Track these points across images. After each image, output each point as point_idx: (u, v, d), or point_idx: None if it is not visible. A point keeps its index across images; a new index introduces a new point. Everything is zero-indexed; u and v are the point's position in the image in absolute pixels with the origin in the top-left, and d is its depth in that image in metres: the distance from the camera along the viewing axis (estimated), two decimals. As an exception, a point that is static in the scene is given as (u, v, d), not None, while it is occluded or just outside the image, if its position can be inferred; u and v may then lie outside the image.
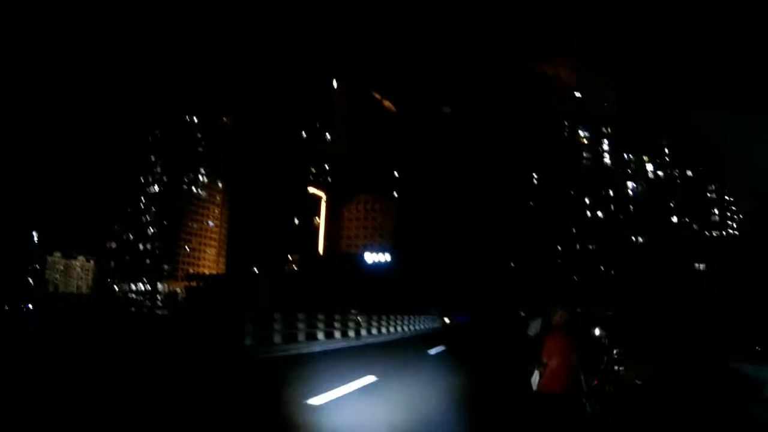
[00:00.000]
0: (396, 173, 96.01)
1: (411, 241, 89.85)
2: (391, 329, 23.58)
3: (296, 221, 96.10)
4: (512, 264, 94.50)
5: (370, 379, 8.54)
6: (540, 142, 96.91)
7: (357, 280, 79.71)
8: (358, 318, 20.06)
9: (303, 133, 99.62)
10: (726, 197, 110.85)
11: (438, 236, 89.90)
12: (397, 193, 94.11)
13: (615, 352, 7.24)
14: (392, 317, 24.77)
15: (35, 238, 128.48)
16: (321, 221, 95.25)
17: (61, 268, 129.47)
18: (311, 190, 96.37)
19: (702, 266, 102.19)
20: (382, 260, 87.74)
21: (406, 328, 26.75)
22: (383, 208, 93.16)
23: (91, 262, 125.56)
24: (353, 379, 8.11)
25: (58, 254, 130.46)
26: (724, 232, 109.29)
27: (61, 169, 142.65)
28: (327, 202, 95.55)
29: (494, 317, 73.56)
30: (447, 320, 44.67)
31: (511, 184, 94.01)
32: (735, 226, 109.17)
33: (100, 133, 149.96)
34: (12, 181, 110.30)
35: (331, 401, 6.62)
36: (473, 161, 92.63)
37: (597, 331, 8.25)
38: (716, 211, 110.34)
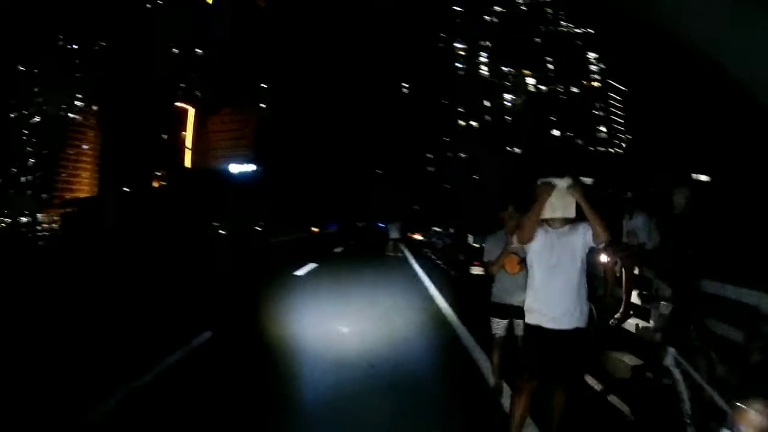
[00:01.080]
0: (263, 84, 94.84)
1: (276, 152, 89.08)
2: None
3: (164, 137, 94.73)
4: (378, 171, 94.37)
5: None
6: (411, 51, 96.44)
7: (225, 193, 78.82)
8: None
9: (174, 49, 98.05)
10: (614, 116, 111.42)
11: (304, 145, 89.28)
12: (264, 104, 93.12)
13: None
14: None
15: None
16: (188, 135, 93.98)
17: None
18: (179, 104, 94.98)
19: (589, 180, 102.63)
20: (248, 171, 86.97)
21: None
22: (250, 120, 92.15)
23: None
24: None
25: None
26: (611, 150, 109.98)
27: None
28: (195, 115, 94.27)
29: (362, 225, 73.61)
30: (314, 229, 46.56)
31: (380, 92, 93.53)
32: (623, 146, 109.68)
33: None
34: None
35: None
36: (340, 68, 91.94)
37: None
38: (603, 129, 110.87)
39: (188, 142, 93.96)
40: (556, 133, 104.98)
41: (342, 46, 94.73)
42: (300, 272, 12.28)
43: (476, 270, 9.18)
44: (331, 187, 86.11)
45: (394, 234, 18.15)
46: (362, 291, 9.31)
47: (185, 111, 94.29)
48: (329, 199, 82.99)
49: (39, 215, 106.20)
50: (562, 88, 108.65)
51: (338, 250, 22.09)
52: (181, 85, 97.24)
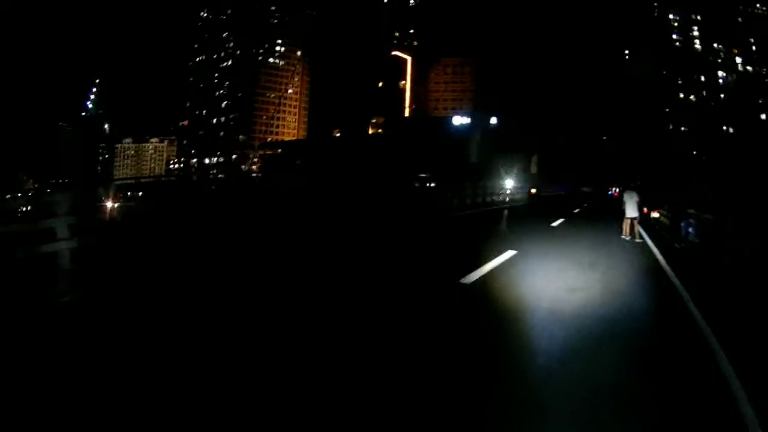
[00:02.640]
0: (485, 36, 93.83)
1: (499, 106, 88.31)
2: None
3: (380, 85, 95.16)
4: (604, 138, 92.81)
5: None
6: (629, 19, 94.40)
7: (444, 144, 78.32)
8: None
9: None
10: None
11: (526, 101, 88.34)
12: (482, 57, 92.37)
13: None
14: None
15: (106, 128, 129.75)
16: (407, 84, 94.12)
17: (132, 153, 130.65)
18: (395, 53, 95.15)
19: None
20: (468, 124, 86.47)
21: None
22: (471, 72, 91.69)
23: (165, 142, 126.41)
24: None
25: (128, 140, 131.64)
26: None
27: (128, 55, 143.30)
28: (413, 65, 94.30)
29: (586, 190, 72.27)
30: (533, 190, 45.91)
31: (602, 58, 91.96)
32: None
33: (164, 14, 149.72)
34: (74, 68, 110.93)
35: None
36: (562, 29, 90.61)
37: None
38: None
39: (407, 92, 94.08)
40: (763, 116, 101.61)
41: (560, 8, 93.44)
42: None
43: None
44: (554, 147, 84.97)
45: (632, 211, 13.19)
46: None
47: (404, 60, 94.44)
48: (554, 160, 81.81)
49: (233, 156, 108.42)
50: (765, 71, 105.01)
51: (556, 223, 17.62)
52: (395, 33, 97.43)
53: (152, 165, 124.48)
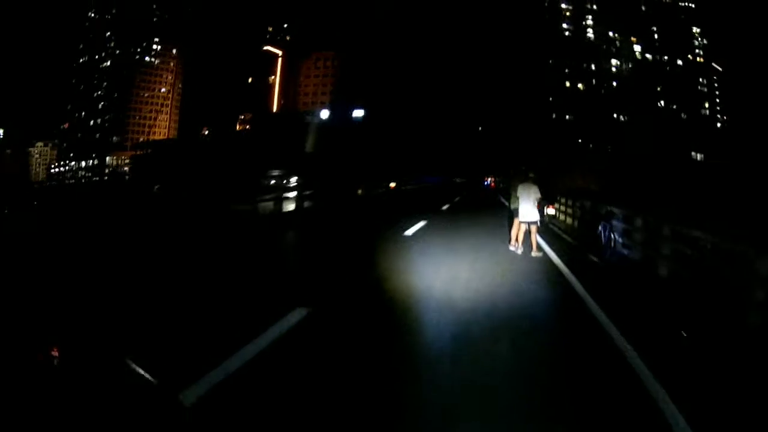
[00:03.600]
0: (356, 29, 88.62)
1: (371, 100, 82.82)
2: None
3: (250, 80, 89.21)
4: (480, 128, 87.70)
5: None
6: (513, 6, 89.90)
7: (306, 139, 73.38)
8: None
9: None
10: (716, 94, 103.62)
11: (399, 95, 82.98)
12: (360, 48, 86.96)
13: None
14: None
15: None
16: (277, 79, 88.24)
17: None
18: (267, 48, 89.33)
19: (700, 156, 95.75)
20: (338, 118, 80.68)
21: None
22: (342, 65, 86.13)
23: (49, 146, 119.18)
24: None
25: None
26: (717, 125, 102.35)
27: (10, 56, 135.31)
28: (284, 60, 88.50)
29: (459, 180, 68.68)
30: (392, 184, 39.56)
31: (482, 45, 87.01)
32: (723, 126, 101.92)
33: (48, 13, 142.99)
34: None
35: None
36: (441, 18, 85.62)
37: None
38: (707, 105, 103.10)
39: (276, 87, 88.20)
40: (661, 103, 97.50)
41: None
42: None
43: None
44: (428, 138, 79.68)
45: (529, 213, 8.73)
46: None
47: (275, 55, 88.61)
48: (426, 152, 76.56)
49: (107, 158, 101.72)
50: (666, 59, 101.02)
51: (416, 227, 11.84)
52: (269, 28, 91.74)
53: (37, 169, 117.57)
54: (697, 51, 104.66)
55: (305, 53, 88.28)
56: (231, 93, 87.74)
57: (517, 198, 8.76)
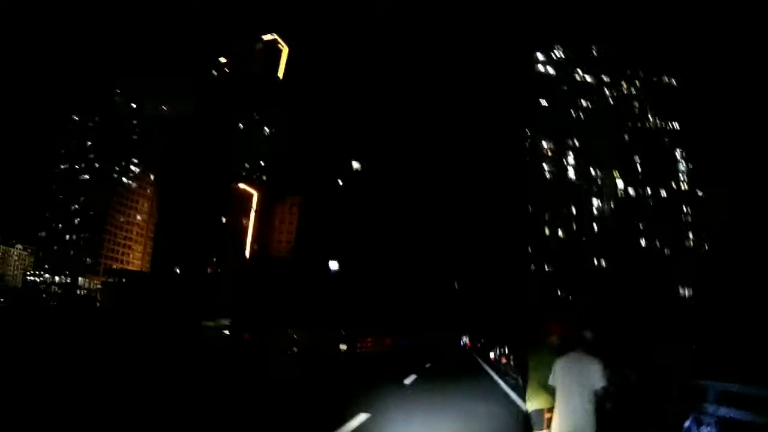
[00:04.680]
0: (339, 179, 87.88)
1: (346, 249, 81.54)
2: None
3: (224, 220, 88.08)
4: (456, 285, 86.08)
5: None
6: (498, 149, 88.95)
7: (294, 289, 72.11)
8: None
9: (240, 125, 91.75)
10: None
11: (375, 248, 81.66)
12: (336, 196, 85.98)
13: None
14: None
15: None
16: (250, 221, 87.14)
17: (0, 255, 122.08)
18: (242, 186, 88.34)
19: (688, 292, 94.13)
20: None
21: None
22: (321, 212, 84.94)
23: (28, 251, 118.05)
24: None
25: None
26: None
27: None
28: (259, 200, 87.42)
29: (436, 338, 66.72)
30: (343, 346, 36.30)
31: (462, 198, 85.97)
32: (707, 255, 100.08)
33: (39, 115, 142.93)
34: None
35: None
36: (421, 163, 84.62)
37: None
38: (691, 236, 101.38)
39: (249, 230, 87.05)
40: (642, 243, 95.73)
41: (418, 143, 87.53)
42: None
43: None
44: (405, 296, 78.19)
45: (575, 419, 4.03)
46: None
47: (250, 195, 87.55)
48: (403, 309, 75.10)
49: (80, 279, 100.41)
50: (650, 191, 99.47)
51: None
52: (245, 165, 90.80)
53: (15, 272, 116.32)
54: (681, 177, 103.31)
55: (280, 195, 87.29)
56: (203, 232, 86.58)
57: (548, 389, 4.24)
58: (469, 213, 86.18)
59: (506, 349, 25.65)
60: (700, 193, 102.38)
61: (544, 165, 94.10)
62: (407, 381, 13.71)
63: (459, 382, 16.14)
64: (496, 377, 16.90)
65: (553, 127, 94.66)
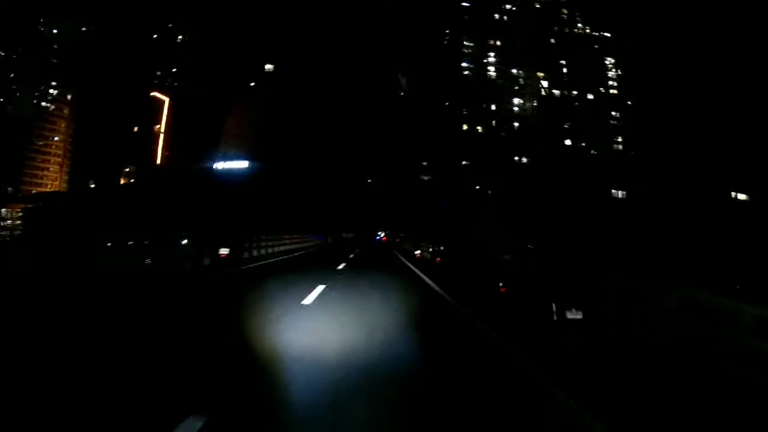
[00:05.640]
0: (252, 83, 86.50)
1: (262, 151, 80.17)
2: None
3: (135, 129, 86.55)
4: (369, 180, 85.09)
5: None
6: (413, 46, 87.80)
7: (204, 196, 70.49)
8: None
9: (154, 35, 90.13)
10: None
11: (291, 146, 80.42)
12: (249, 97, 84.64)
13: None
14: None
15: None
16: (162, 129, 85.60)
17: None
18: (154, 93, 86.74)
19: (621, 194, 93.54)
20: (235, 170, 77.62)
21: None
22: (239, 115, 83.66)
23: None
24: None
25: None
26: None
27: None
28: (170, 107, 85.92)
29: (350, 236, 66.75)
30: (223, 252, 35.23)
31: (375, 90, 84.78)
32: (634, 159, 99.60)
33: None
34: None
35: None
36: (333, 63, 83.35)
37: None
38: (620, 139, 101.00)
39: (161, 137, 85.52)
40: (568, 142, 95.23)
41: (337, 39, 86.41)
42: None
43: None
44: (318, 193, 77.06)
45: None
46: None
47: (161, 102, 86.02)
48: (315, 207, 73.90)
49: (2, 210, 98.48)
50: (576, 93, 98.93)
51: None
52: (157, 72, 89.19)
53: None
54: (610, 83, 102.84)
55: (194, 100, 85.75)
56: (116, 143, 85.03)
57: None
58: (382, 109, 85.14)
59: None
60: (629, 103, 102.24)
61: (464, 63, 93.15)
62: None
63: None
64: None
65: (476, 27, 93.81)
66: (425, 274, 15.45)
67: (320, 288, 10.61)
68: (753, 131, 77.77)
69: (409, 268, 19.26)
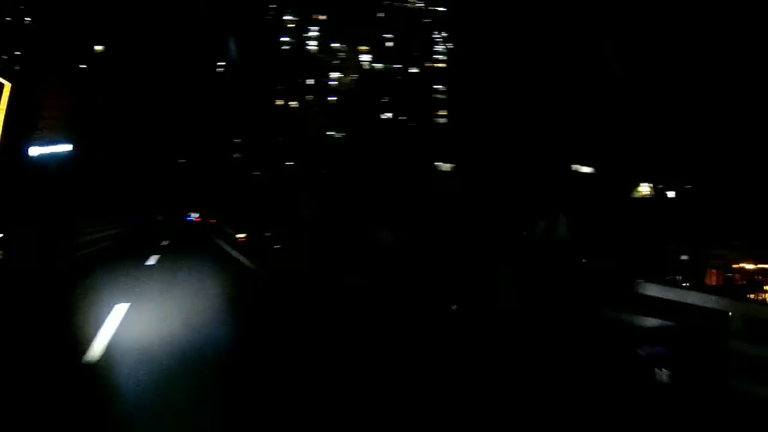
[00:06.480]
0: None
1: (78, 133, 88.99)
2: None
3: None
4: (182, 160, 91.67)
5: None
6: (231, 20, 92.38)
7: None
8: None
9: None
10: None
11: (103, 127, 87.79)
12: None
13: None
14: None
15: None
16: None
17: None
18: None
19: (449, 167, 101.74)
20: (48, 154, 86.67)
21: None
22: (65, 97, 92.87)
23: None
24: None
25: None
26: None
27: None
28: (12, 91, 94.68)
29: (161, 218, 63.35)
30: None
31: (193, 69, 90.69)
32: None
33: None
34: None
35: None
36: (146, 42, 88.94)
37: None
38: (445, 113, 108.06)
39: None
40: (388, 115, 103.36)
41: (165, 18, 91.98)
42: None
43: None
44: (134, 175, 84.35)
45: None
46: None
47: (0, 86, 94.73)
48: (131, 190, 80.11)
49: None
50: (399, 67, 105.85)
51: None
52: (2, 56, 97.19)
53: None
54: (439, 57, 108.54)
55: (41, 83, 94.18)
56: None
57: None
58: (198, 88, 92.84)
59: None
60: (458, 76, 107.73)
61: (285, 38, 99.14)
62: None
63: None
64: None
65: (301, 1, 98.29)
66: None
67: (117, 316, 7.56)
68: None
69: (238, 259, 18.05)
